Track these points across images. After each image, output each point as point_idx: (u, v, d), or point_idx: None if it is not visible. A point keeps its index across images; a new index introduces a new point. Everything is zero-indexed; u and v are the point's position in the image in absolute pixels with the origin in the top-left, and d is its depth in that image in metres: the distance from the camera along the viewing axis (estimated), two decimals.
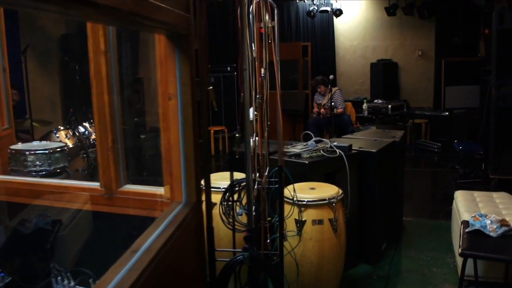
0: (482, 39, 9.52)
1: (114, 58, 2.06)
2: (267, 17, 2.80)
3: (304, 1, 10.30)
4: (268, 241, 2.85)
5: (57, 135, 5.59)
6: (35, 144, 4.25)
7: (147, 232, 1.64)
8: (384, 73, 9.94)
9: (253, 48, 2.58)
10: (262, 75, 2.48)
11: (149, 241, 1.58)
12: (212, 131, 8.66)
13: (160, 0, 1.44)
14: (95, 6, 1.04)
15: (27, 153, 3.90)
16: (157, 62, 1.84)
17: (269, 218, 2.90)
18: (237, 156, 2.25)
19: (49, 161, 3.95)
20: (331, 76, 7.23)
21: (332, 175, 3.77)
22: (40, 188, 2.31)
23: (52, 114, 7.19)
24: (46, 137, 5.53)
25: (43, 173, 3.87)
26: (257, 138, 2.81)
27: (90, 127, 6.26)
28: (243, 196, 3.00)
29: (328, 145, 3.89)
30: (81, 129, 6.09)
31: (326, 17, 10.36)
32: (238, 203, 3.02)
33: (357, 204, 3.93)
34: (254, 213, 2.86)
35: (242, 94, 1.99)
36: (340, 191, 3.37)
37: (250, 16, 2.34)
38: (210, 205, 1.97)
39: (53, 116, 6.95)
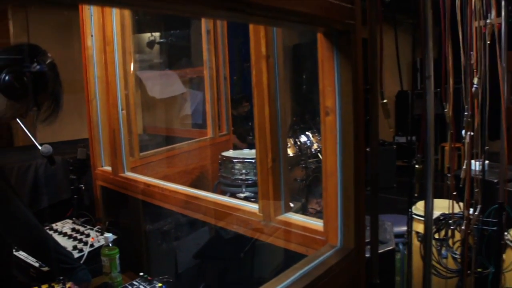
0: None
1: (278, 64, 1.71)
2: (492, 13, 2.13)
3: None
4: None
5: None
6: (245, 152, 4.17)
7: (281, 276, 1.25)
8: None
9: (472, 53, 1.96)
10: (475, 85, 1.84)
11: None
12: (446, 148, 7.72)
13: None
14: None
15: (234, 160, 3.82)
16: (319, 68, 1.42)
17: (479, 269, 2.22)
18: (416, 194, 1.68)
19: (254, 170, 3.81)
20: None
21: None
22: (198, 202, 2.09)
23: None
24: None
25: (249, 182, 3.76)
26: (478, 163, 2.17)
27: (312, 136, 6.09)
28: (451, 235, 2.37)
29: None
30: (303, 138, 5.95)
31: None
32: (443, 243, 2.40)
33: None
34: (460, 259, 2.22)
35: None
36: None
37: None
38: (376, 253, 1.46)
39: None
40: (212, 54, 3.94)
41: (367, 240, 1.51)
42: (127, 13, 2.77)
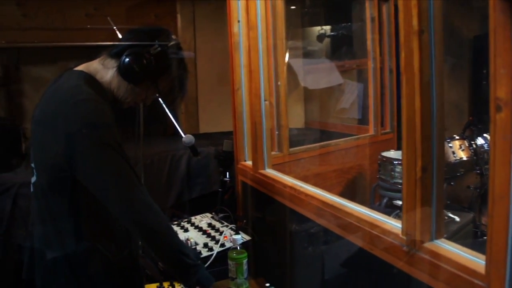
0: None
1: (435, 42, 1.25)
2: None
3: None
4: None
5: (450, 145, 4.83)
6: None
7: None
8: None
9: None
10: None
11: None
12: None
13: None
14: None
15: (395, 162, 3.33)
16: (490, 42, 0.95)
17: None
18: None
19: None
20: None
21: None
22: (332, 211, 1.71)
23: (457, 121, 6.41)
24: None
25: None
26: None
27: None
28: None
29: None
30: (480, 141, 5.10)
31: None
32: None
33: None
34: None
35: None
36: None
37: None
38: None
39: (455, 124, 6.18)
40: (376, 44, 3.48)
41: None
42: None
